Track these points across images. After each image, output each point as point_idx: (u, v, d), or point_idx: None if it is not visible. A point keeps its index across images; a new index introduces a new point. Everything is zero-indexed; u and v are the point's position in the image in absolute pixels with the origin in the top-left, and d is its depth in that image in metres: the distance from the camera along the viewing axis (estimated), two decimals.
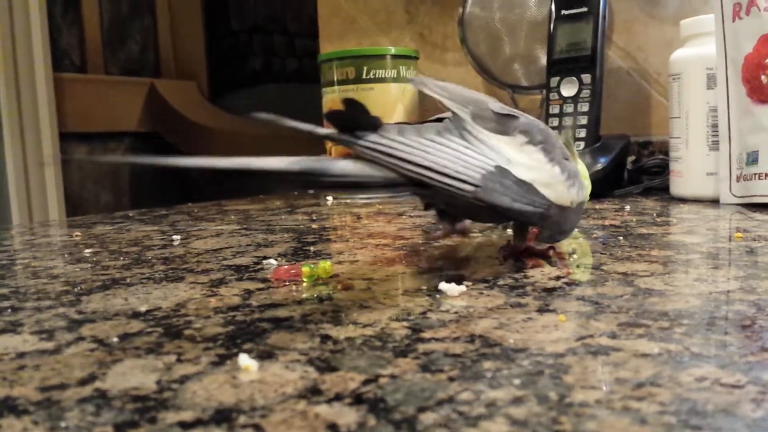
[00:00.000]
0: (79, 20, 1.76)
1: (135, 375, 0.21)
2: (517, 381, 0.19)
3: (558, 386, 0.18)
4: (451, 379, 0.19)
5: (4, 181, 1.46)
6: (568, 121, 0.71)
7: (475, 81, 0.88)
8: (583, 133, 0.70)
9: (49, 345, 0.24)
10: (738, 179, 0.58)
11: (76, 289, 0.34)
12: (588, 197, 0.39)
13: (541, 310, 0.27)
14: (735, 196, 0.58)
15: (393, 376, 0.20)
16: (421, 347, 0.22)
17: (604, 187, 0.70)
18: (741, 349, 0.21)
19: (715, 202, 0.60)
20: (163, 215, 0.70)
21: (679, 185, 0.64)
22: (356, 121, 0.30)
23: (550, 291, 0.30)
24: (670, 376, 0.19)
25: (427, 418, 0.17)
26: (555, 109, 0.72)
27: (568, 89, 0.71)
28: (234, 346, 0.23)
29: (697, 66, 0.62)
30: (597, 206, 0.62)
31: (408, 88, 0.85)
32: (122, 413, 0.18)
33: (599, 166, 0.69)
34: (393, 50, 0.83)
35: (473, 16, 0.83)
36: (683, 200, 0.63)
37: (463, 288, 0.30)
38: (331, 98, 0.84)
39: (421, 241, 0.45)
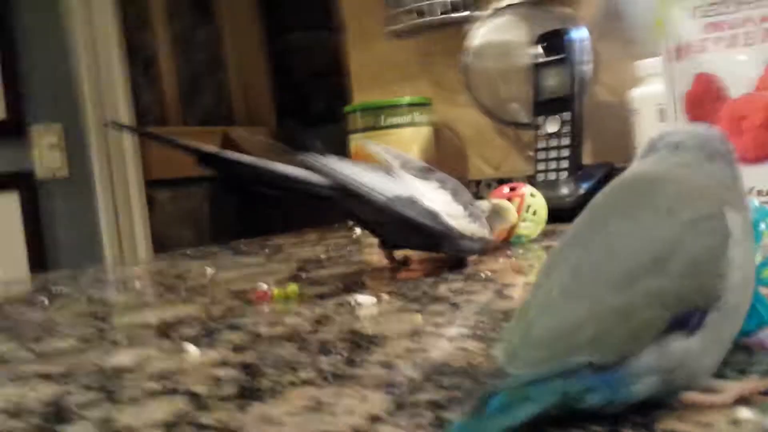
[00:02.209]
0: (157, 79, 1.97)
1: (123, 358, 0.33)
2: (345, 353, 0.30)
3: (375, 351, 0.30)
4: (309, 353, 0.31)
5: (97, 227, 1.67)
6: (552, 153, 0.81)
7: (484, 120, 0.98)
8: (566, 164, 0.80)
9: (82, 345, 0.37)
10: None
11: (115, 311, 0.47)
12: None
13: (413, 312, 0.37)
14: None
15: (272, 353, 0.31)
16: (311, 337, 0.34)
17: None
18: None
19: None
20: (213, 252, 0.84)
21: None
22: (309, 148, 0.43)
23: (436, 299, 0.40)
24: (441, 347, 0.30)
25: (273, 372, 0.28)
26: (542, 144, 0.82)
27: (551, 126, 0.81)
28: (193, 341, 0.35)
29: (650, 102, 0.70)
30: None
31: (422, 131, 0.96)
32: (108, 380, 0.30)
33: (581, 191, 0.78)
34: (407, 99, 0.95)
35: (472, 65, 0.94)
36: None
37: (373, 299, 0.41)
38: (356, 144, 0.97)
39: (379, 266, 0.56)
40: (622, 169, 0.80)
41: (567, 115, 0.80)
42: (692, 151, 0.24)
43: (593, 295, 0.20)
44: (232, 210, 2.19)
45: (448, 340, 0.31)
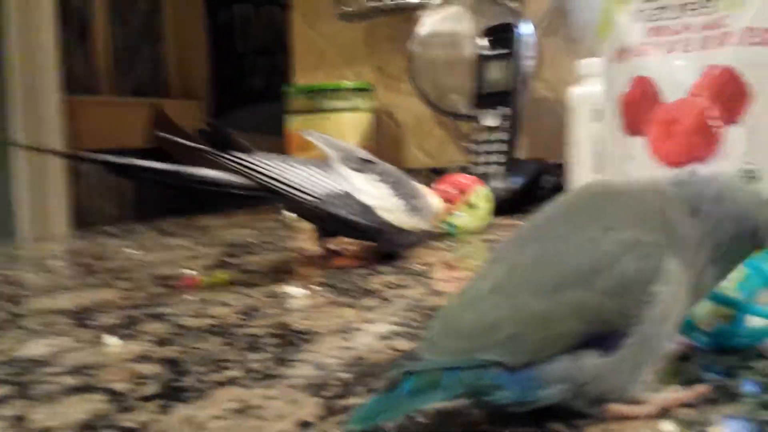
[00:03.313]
0: (90, 46, 1.89)
1: (37, 348, 0.31)
2: (274, 350, 0.29)
3: (305, 349, 0.29)
4: (236, 349, 0.30)
5: (8, 198, 1.59)
6: (490, 147, 0.81)
7: (424, 109, 0.98)
8: (502, 158, 0.80)
9: None
10: None
11: (27, 292, 0.45)
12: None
13: (344, 306, 0.37)
14: None
15: (197, 348, 0.30)
16: (238, 330, 0.33)
17: (519, 203, 0.79)
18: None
19: None
20: (137, 231, 0.81)
21: None
22: (230, 143, 0.41)
23: (367, 292, 0.40)
24: (370, 345, 0.29)
25: (198, 370, 0.27)
26: (480, 137, 0.82)
27: (491, 120, 0.81)
28: (112, 332, 0.34)
29: (587, 102, 0.71)
30: (503, 222, 0.71)
31: (363, 117, 0.95)
32: (17, 369, 0.28)
33: (514, 186, 0.79)
34: (350, 84, 0.94)
35: (417, 53, 0.93)
36: None
37: (305, 291, 0.40)
38: (295, 125, 0.95)
39: (311, 254, 0.55)
40: (556, 165, 0.81)
41: (506, 110, 0.81)
42: (681, 193, 0.22)
43: (519, 297, 0.20)
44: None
45: (380, 338, 0.31)
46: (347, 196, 0.45)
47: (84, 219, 1.72)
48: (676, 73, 0.65)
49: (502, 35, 0.83)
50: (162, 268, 0.53)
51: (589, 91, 0.72)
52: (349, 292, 0.41)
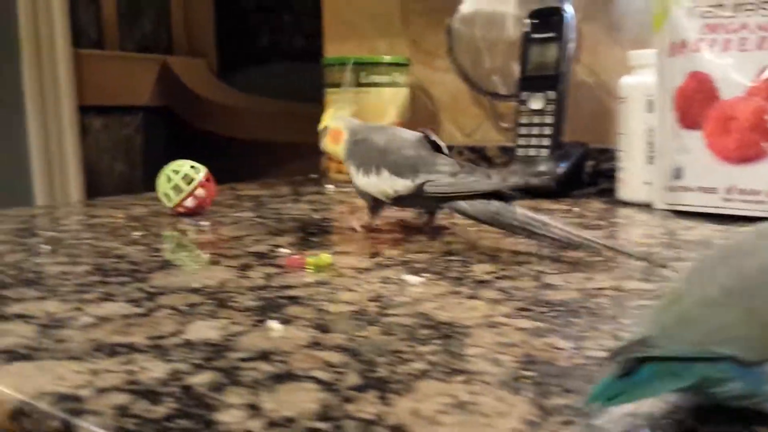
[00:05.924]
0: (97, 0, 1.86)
1: (205, 331, 0.33)
2: (438, 341, 0.32)
3: (460, 344, 0.31)
4: (400, 339, 0.32)
5: (26, 154, 1.58)
6: (535, 130, 0.83)
7: (462, 86, 0.99)
8: (546, 142, 0.82)
9: (140, 310, 0.37)
10: (666, 189, 0.70)
11: (141, 268, 0.46)
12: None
13: (470, 297, 0.39)
14: (664, 203, 0.71)
15: (365, 336, 0.32)
16: (384, 319, 0.35)
17: (564, 187, 0.82)
18: (576, 325, 0.34)
19: (648, 206, 0.72)
20: None
21: (622, 190, 0.77)
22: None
23: (480, 282, 0.42)
24: (528, 342, 0.32)
25: (382, 360, 0.29)
26: (524, 120, 0.84)
27: (536, 103, 0.83)
28: (263, 315, 0.36)
29: (639, 92, 0.74)
30: (553, 206, 0.74)
31: (400, 92, 0.96)
32: (204, 353, 0.30)
33: (560, 170, 0.81)
34: (388, 58, 0.95)
35: (458, 30, 0.94)
36: (625, 203, 0.76)
37: (421, 279, 0.43)
38: (333, 98, 0.96)
39: (396, 236, 0.57)
40: (598, 150, 0.83)
41: (552, 94, 0.82)
42: None
43: (753, 302, 0.22)
44: (163, 142, 2.12)
45: (529, 334, 0.33)
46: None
47: (95, 177, 1.71)
48: (732, 72, 0.67)
49: (548, 18, 0.84)
50: (250, 243, 0.54)
51: (642, 82, 0.74)
52: (460, 281, 0.43)
